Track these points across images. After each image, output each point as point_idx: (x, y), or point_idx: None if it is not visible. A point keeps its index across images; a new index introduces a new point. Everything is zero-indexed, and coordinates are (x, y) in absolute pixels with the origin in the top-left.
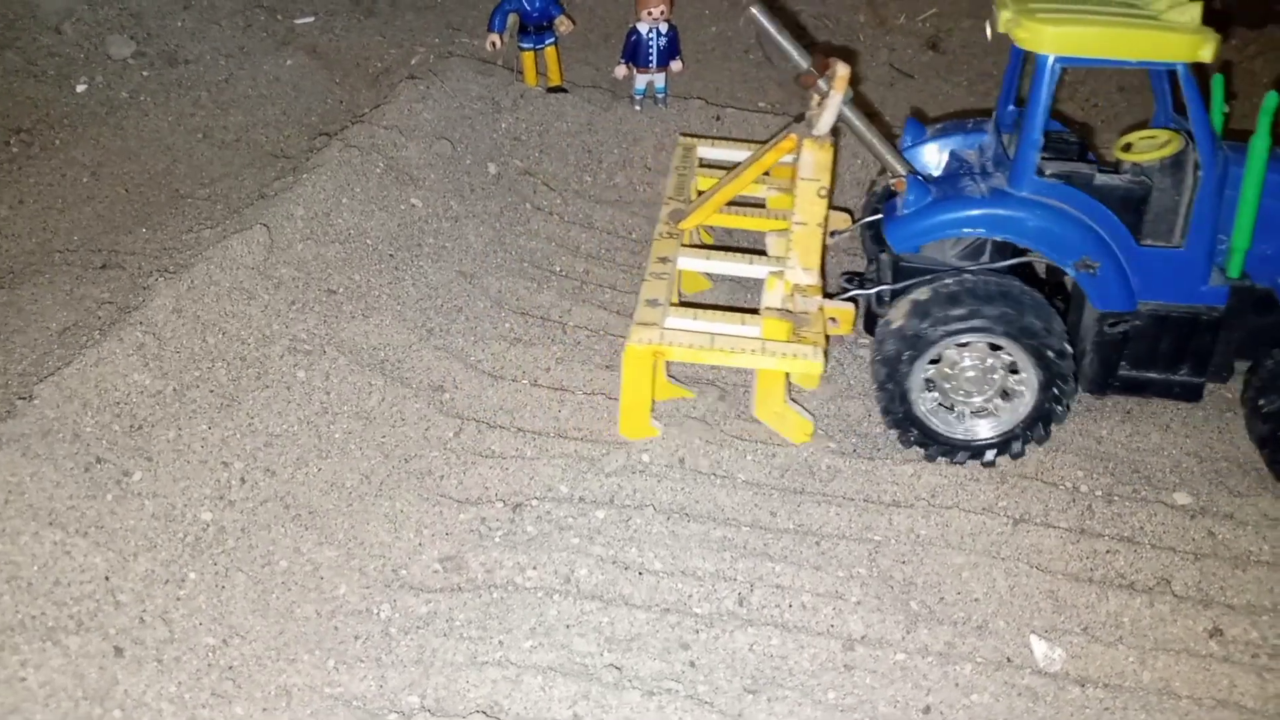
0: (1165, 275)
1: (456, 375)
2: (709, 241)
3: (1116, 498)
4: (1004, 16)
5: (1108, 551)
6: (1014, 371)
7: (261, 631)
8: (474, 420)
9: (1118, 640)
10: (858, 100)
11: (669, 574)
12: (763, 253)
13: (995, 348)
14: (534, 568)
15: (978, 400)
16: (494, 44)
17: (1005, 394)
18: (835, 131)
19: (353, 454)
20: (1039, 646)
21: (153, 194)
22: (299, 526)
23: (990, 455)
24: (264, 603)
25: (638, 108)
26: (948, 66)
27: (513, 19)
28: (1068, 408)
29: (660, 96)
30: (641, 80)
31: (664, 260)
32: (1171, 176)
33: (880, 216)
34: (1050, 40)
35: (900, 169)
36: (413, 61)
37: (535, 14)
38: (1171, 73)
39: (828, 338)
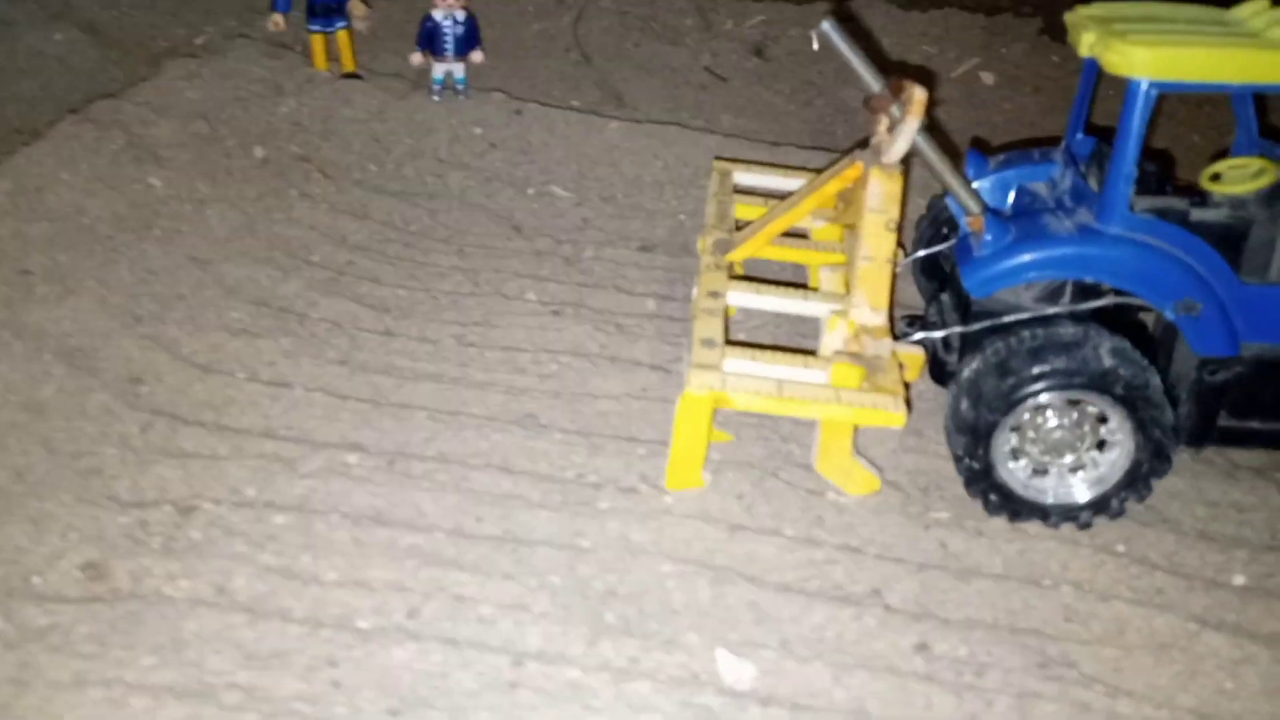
0: (1270, 315)
1: (160, 367)
2: (739, 272)
3: (858, 507)
4: (1087, 39)
5: (827, 561)
6: (1102, 444)
7: None
8: (169, 416)
9: (816, 656)
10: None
11: (340, 585)
12: (804, 286)
13: (1074, 402)
14: (187, 577)
15: (1068, 460)
16: (276, 24)
17: (1098, 450)
18: (904, 159)
19: (10, 449)
20: (727, 662)
21: None
22: None
23: (1086, 517)
24: None
25: (436, 98)
26: (771, 74)
27: None
28: (1176, 431)
29: (460, 88)
30: (440, 69)
31: (715, 295)
32: (1269, 208)
33: (935, 250)
34: (1145, 64)
35: (975, 206)
36: (197, 41)
37: None
38: (1258, 96)
39: (906, 385)
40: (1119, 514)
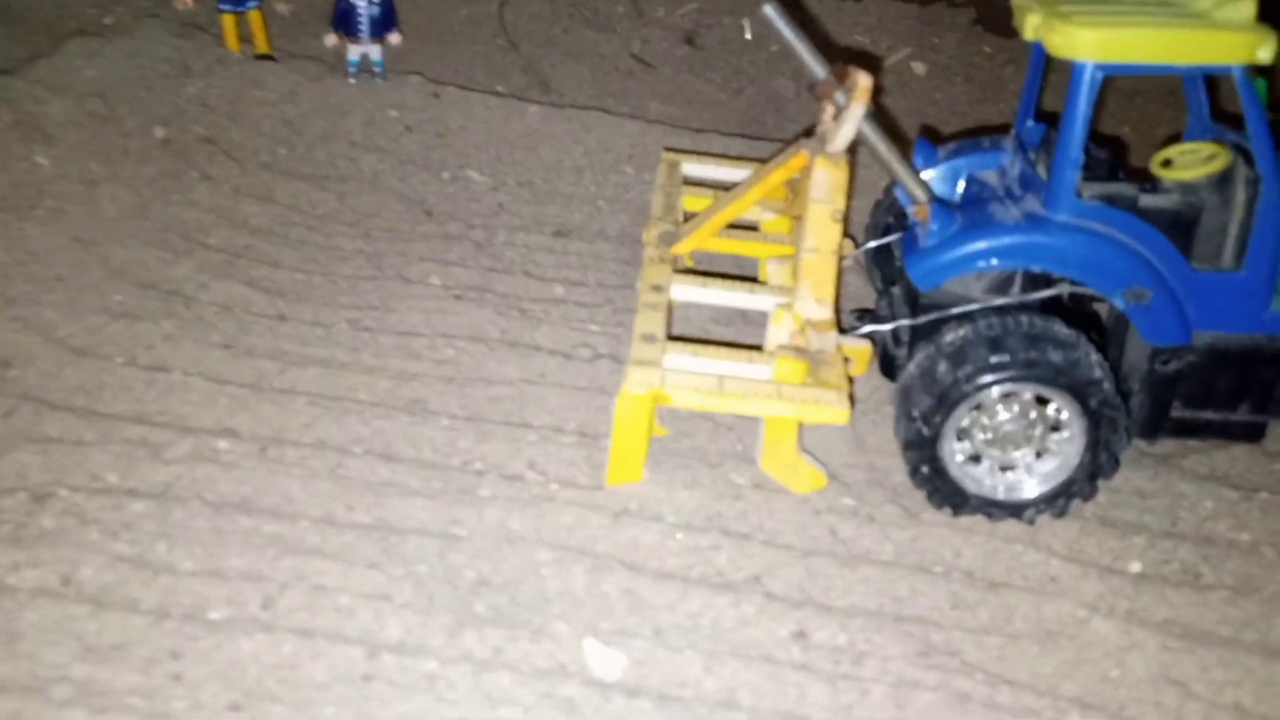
0: (1223, 302)
1: (33, 350)
2: (690, 265)
3: (752, 492)
4: (1031, 21)
5: (711, 547)
6: (1055, 429)
7: None
8: (36, 401)
9: (689, 645)
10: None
11: (194, 574)
12: (754, 279)
13: (1041, 399)
14: (32, 566)
15: (1016, 455)
16: (185, 3)
17: (1043, 451)
18: (851, 149)
19: None
20: (596, 652)
21: None
22: None
23: (1000, 514)
24: None
25: (352, 81)
26: (703, 62)
27: None
28: (1117, 462)
29: (378, 70)
30: (355, 51)
31: (658, 289)
32: (1220, 193)
33: (886, 242)
34: (1090, 46)
35: (922, 195)
36: (106, 21)
37: None
38: (1208, 78)
39: (851, 380)
40: (1032, 522)
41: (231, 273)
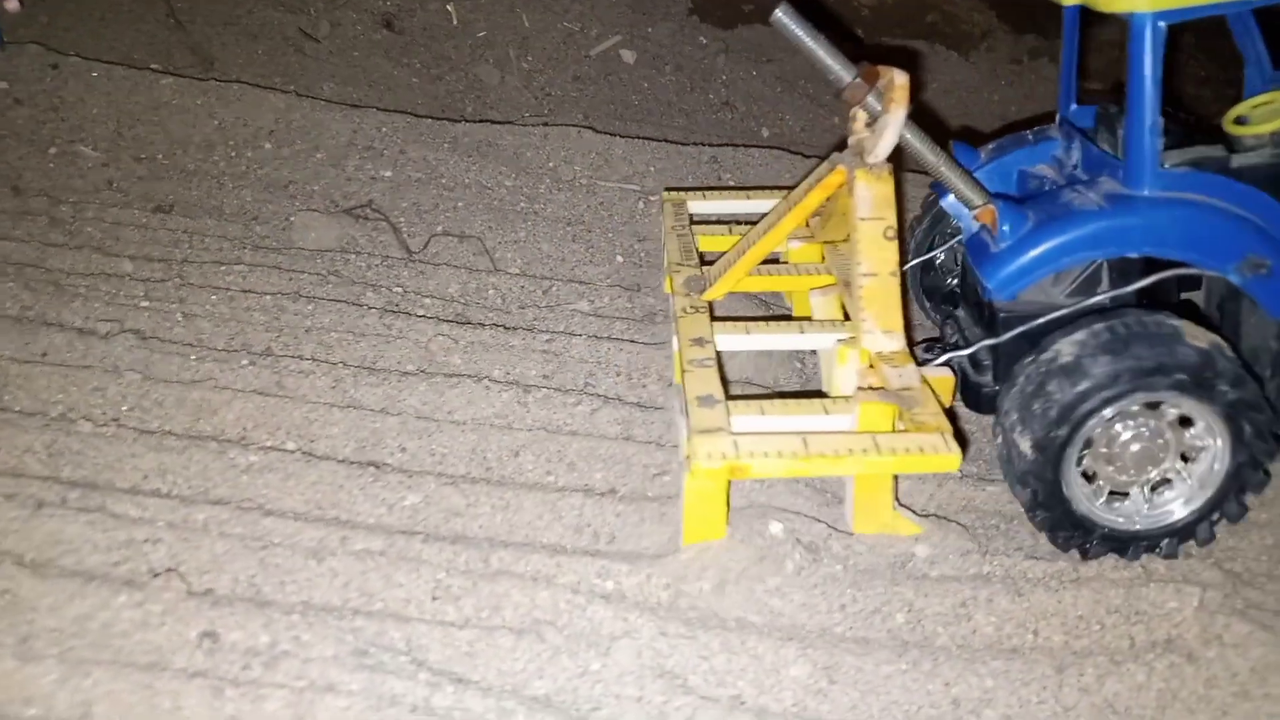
0: None
1: None
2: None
3: (254, 472)
4: None
5: (149, 540)
6: (1188, 449)
7: None
8: None
9: (57, 654)
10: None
11: None
12: (789, 316)
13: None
14: None
15: (1147, 478)
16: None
17: (1185, 458)
18: (891, 157)
19: None
20: None
21: None
22: None
23: (1171, 544)
24: None
25: None
26: (401, 47)
27: None
28: (1268, 472)
29: None
30: None
31: (701, 342)
32: None
33: (928, 258)
34: None
35: (980, 198)
36: None
37: None
38: (1260, 19)
39: (950, 413)
40: (1174, 555)
41: None
